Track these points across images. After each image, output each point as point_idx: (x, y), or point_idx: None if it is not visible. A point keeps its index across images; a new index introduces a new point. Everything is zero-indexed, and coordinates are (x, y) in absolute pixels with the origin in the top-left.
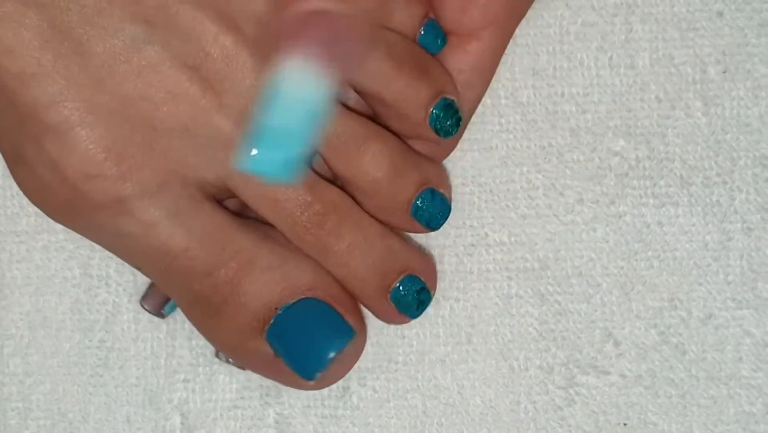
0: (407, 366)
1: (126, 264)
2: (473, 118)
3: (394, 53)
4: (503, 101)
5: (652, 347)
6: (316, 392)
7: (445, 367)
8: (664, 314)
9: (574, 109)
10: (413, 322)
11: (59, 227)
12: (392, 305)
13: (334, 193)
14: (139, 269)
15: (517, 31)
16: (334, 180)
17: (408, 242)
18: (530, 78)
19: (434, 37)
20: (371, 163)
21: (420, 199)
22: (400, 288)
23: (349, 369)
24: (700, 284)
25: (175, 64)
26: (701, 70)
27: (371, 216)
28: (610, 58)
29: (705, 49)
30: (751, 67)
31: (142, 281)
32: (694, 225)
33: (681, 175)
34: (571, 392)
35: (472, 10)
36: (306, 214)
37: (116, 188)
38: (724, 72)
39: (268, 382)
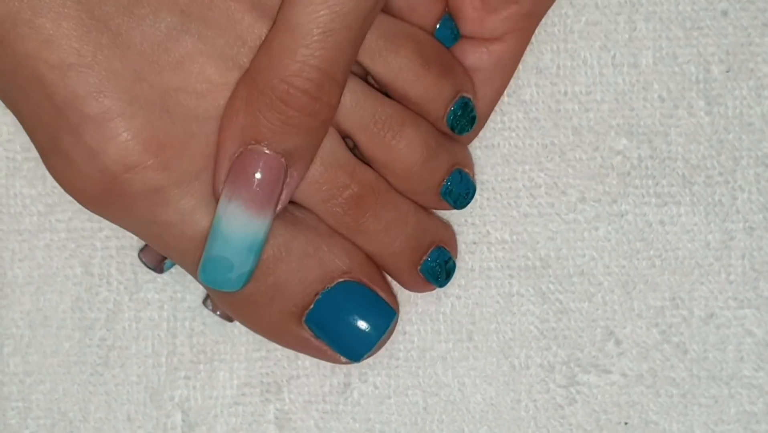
0: (408, 362)
1: (125, 262)
2: None
3: (423, 51)
4: (506, 99)
5: (654, 346)
6: (317, 387)
7: (446, 364)
8: (666, 313)
9: (576, 107)
10: (414, 318)
11: (61, 225)
12: (421, 276)
13: (370, 174)
14: (172, 257)
15: None
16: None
17: (435, 215)
18: (533, 76)
19: (449, 32)
20: (407, 149)
21: (450, 181)
22: (430, 260)
23: (383, 345)
24: (702, 284)
25: (212, 55)
26: (705, 69)
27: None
28: (614, 56)
29: (709, 48)
30: (755, 66)
31: (143, 279)
32: (696, 224)
33: (683, 174)
34: (572, 390)
35: (493, 20)
36: (344, 196)
37: (155, 178)
38: (728, 71)
39: (269, 378)
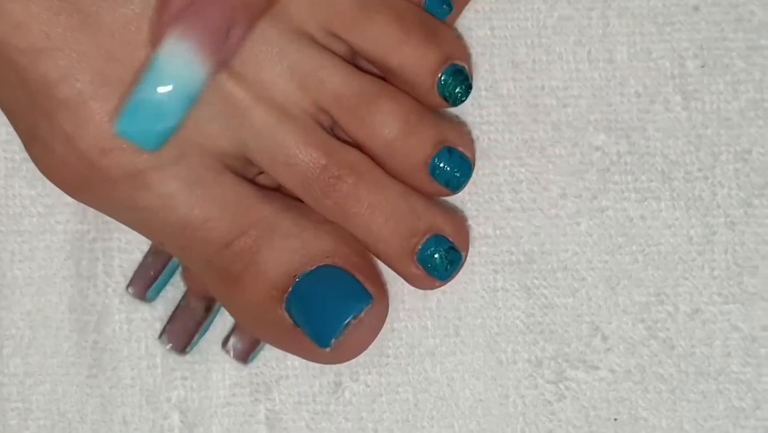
0: (398, 359)
1: (113, 264)
2: (454, 110)
3: (401, 17)
4: (483, 93)
5: (641, 342)
6: (307, 387)
7: (435, 359)
8: (651, 309)
9: (554, 102)
10: (402, 315)
11: (60, 227)
12: (420, 267)
13: (350, 154)
14: (161, 243)
15: (495, 23)
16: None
17: (434, 201)
18: (510, 71)
19: (440, 3)
20: (383, 122)
21: (437, 158)
22: (426, 249)
23: (371, 339)
24: (686, 279)
25: None
26: (680, 64)
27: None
28: (589, 52)
29: (682, 43)
30: (729, 61)
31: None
32: (677, 219)
33: (662, 170)
34: (561, 386)
35: None
36: (322, 177)
37: (133, 161)
38: (703, 66)
39: (258, 379)
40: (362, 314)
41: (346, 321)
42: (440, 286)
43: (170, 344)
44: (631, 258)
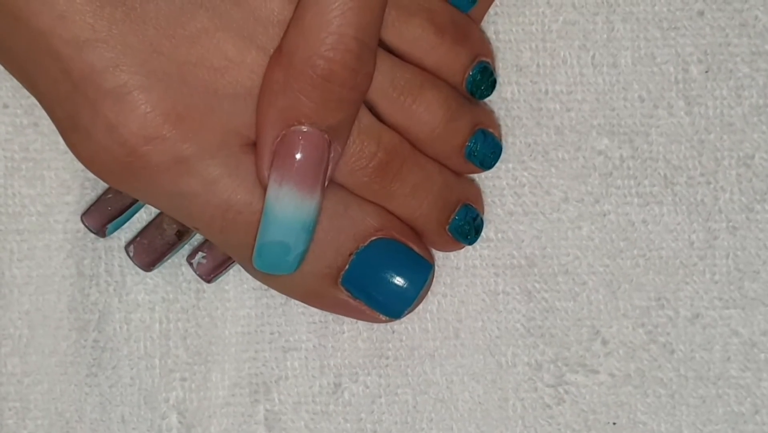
0: (398, 361)
1: (113, 263)
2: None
3: (436, 19)
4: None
5: (640, 346)
6: (306, 388)
7: (435, 362)
8: (652, 313)
9: (558, 107)
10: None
11: (60, 226)
12: (450, 235)
13: (395, 138)
14: (197, 229)
15: (500, 26)
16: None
17: (459, 174)
18: (514, 74)
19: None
20: (428, 112)
21: (473, 141)
22: (458, 218)
23: (421, 301)
24: (687, 283)
25: (229, 31)
26: (683, 69)
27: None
28: (593, 56)
29: (687, 48)
30: (734, 66)
31: (132, 280)
32: (679, 224)
33: (665, 174)
34: (560, 390)
35: None
36: (372, 164)
37: (176, 149)
38: (707, 71)
39: (258, 379)
40: (428, 282)
41: (420, 292)
42: (463, 248)
43: (134, 256)
44: (632, 262)
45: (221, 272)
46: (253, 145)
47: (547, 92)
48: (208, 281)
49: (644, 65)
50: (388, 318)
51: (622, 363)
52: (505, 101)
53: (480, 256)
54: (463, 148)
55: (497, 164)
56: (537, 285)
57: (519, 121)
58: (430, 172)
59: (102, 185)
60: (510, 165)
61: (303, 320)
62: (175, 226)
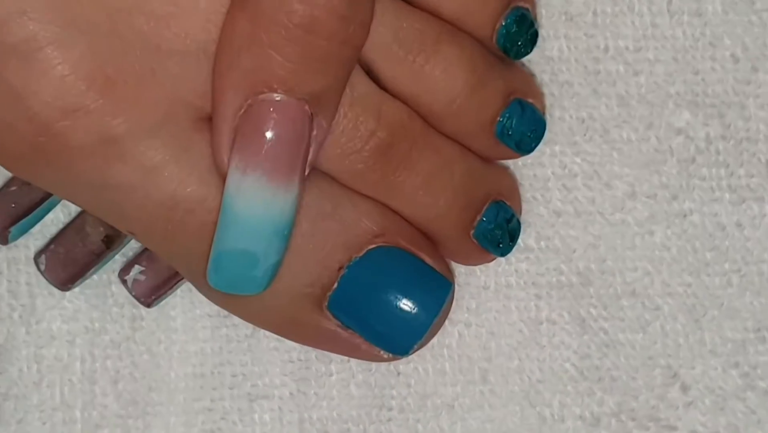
0: (404, 414)
1: (20, 280)
2: None
3: None
4: (527, 56)
5: (734, 394)
6: None
7: (454, 415)
8: (749, 349)
9: (622, 69)
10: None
11: None
12: (475, 242)
13: (401, 111)
14: (132, 233)
15: None
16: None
17: (486, 160)
18: (562, 26)
19: None
20: (445, 75)
21: (506, 115)
22: (486, 220)
23: (436, 333)
24: None
25: None
26: None
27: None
28: (669, 1)
29: None
30: None
31: (44, 304)
32: None
33: (767, 161)
34: None
35: None
36: (369, 146)
37: (104, 125)
38: None
39: None
40: (445, 306)
41: (434, 319)
42: (493, 260)
43: (47, 270)
44: (722, 280)
45: (165, 292)
46: (209, 120)
47: (606, 50)
48: (148, 305)
49: (739, 13)
50: (391, 355)
51: (709, 417)
52: (550, 62)
53: (516, 271)
54: (493, 124)
55: (539, 147)
56: (593, 311)
57: (569, 89)
58: (448, 157)
59: (3, 175)
60: (557, 148)
61: (276, 357)
62: (102, 230)
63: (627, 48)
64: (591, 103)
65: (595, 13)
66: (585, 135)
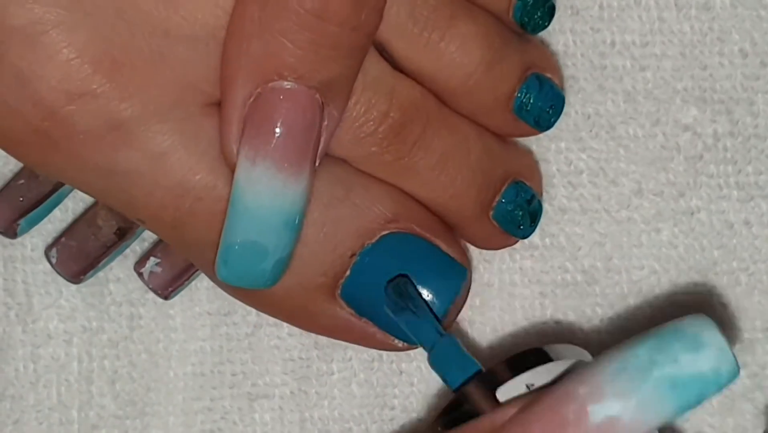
0: (407, 413)
1: (16, 279)
2: None
3: None
4: None
5: (742, 395)
6: None
7: None
8: (757, 349)
9: (628, 64)
10: (412, 353)
11: None
12: (495, 223)
13: (414, 90)
14: (142, 222)
15: None
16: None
17: (503, 138)
18: (568, 20)
19: None
20: (461, 51)
21: (524, 90)
22: (505, 201)
23: (452, 322)
24: None
25: None
26: None
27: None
28: None
29: None
30: None
31: (40, 303)
32: None
33: None
34: None
35: None
36: (382, 128)
37: (111, 110)
38: None
39: None
40: (461, 292)
41: (448, 308)
42: (514, 243)
43: (59, 264)
44: (731, 279)
45: (182, 283)
46: (218, 107)
47: (613, 44)
48: (165, 297)
49: (747, 7)
50: (405, 344)
51: (717, 418)
52: (555, 55)
53: (520, 269)
54: (510, 100)
55: (547, 143)
56: (599, 310)
57: (575, 84)
58: (464, 135)
59: (12, 166)
60: (562, 144)
61: (277, 356)
62: (114, 222)
63: (634, 43)
64: (597, 98)
65: (601, 7)
66: (591, 131)
